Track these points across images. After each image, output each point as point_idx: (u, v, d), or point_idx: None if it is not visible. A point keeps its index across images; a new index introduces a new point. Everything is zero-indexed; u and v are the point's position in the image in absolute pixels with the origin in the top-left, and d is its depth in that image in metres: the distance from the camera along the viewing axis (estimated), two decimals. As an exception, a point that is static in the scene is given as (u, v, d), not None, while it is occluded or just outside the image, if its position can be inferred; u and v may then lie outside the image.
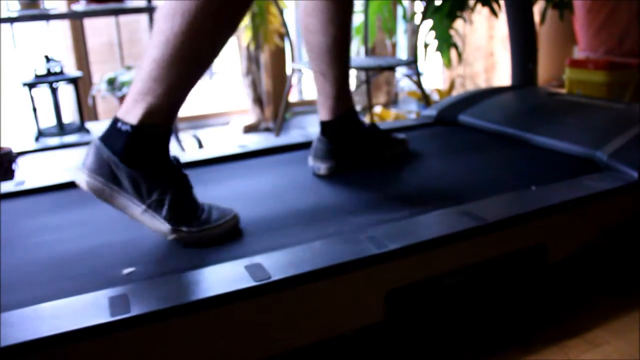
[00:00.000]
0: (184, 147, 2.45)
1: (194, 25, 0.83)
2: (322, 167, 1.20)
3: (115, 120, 0.88)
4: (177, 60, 0.85)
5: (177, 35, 0.83)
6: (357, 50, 3.08)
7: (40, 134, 2.28)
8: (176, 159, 0.93)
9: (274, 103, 3.04)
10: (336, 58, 1.20)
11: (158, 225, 0.88)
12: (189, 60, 0.86)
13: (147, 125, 0.87)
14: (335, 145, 1.21)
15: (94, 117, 2.73)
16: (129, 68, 2.57)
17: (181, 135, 2.57)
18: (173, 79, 0.86)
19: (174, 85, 0.86)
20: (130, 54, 2.79)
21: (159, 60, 0.85)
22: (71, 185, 1.22)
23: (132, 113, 0.87)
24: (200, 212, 0.92)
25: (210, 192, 1.16)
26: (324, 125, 1.23)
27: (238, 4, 0.88)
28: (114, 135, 0.88)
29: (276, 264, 0.78)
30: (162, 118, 0.88)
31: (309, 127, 2.95)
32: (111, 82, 2.48)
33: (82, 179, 0.89)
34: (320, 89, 1.23)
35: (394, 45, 3.37)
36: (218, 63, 4.43)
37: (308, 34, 1.21)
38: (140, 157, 0.88)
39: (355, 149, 1.25)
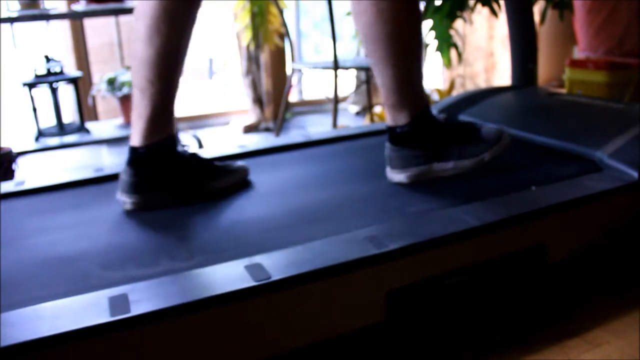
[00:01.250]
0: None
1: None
2: (128, 202, 1.06)
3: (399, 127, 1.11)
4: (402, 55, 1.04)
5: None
6: (357, 50, 3.08)
7: (40, 134, 2.28)
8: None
9: (274, 103, 3.04)
10: (162, 70, 1.05)
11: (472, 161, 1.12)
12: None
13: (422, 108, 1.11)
14: (142, 178, 1.06)
15: (94, 117, 2.73)
16: (129, 68, 2.57)
17: (181, 135, 2.57)
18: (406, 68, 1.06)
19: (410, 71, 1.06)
20: (131, 54, 2.79)
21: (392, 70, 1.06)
22: (71, 186, 1.23)
23: (407, 111, 1.10)
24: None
25: (210, 192, 1.16)
26: (131, 152, 1.08)
27: None
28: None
29: (276, 264, 0.78)
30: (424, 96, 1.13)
31: (309, 127, 2.95)
32: (111, 82, 2.48)
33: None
34: (135, 108, 1.07)
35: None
36: (217, 63, 4.43)
37: (134, 42, 1.07)
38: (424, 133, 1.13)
39: (170, 181, 1.09)
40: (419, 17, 1.11)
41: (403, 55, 1.08)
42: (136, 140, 1.07)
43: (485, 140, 1.15)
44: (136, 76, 1.05)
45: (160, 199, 1.08)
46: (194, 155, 1.16)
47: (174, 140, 1.12)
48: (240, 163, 1.22)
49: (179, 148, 1.13)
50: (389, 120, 1.14)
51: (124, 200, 1.06)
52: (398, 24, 1.05)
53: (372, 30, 1.06)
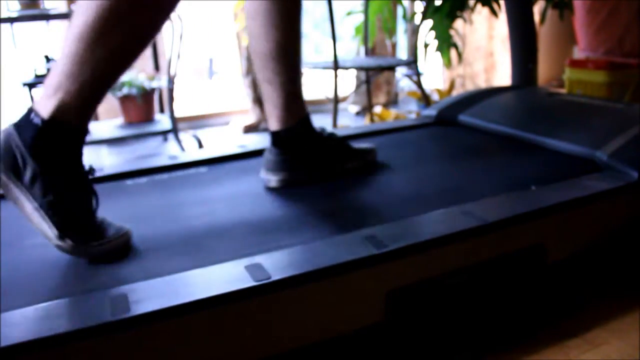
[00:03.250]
0: (183, 147, 2.45)
1: (108, 22, 0.80)
2: (273, 180, 1.15)
3: (30, 110, 0.85)
4: (90, 58, 0.81)
5: (90, 30, 0.80)
6: (357, 50, 3.08)
7: (40, 134, 2.27)
8: (91, 168, 0.90)
9: (274, 103, 3.04)
10: (282, 64, 1.12)
11: (45, 228, 0.83)
12: (102, 58, 0.81)
13: (57, 121, 0.83)
14: (287, 157, 1.15)
15: (94, 117, 2.73)
16: (129, 68, 2.57)
17: (181, 135, 2.57)
18: (85, 77, 0.82)
19: (86, 83, 0.82)
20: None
21: (72, 56, 0.81)
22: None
23: (44, 106, 0.83)
24: (94, 227, 0.87)
25: (210, 192, 1.16)
26: (273, 135, 1.17)
27: (154, 4, 0.84)
28: (26, 125, 0.84)
29: (276, 264, 0.78)
30: (73, 116, 0.84)
31: (309, 127, 2.94)
32: (111, 82, 2.48)
33: None
34: (267, 98, 1.16)
35: (394, 45, 3.37)
36: (217, 63, 4.43)
37: (250, 39, 1.14)
38: (47, 153, 0.84)
39: (310, 160, 1.18)
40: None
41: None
42: (275, 125, 1.15)
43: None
44: (262, 71, 1.13)
45: (302, 177, 1.16)
46: (331, 135, 1.22)
47: (309, 120, 1.18)
48: (368, 144, 1.29)
49: (317, 128, 1.21)
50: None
51: (269, 178, 1.15)
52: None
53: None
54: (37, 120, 0.83)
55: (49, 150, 0.84)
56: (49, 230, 0.83)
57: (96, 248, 0.85)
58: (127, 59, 0.86)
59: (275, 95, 1.13)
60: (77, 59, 0.81)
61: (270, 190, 1.15)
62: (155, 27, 0.86)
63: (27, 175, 0.83)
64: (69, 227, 0.83)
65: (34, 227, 0.85)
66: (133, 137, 2.45)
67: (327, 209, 1.03)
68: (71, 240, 0.83)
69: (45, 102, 0.83)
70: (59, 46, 0.87)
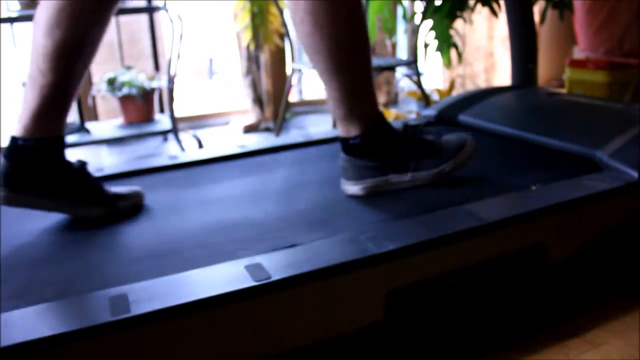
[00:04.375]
0: (183, 147, 2.45)
1: None
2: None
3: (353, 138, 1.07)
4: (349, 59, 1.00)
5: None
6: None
7: (40, 134, 2.27)
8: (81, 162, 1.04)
9: (274, 103, 3.04)
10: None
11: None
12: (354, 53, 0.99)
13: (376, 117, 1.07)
14: (16, 172, 0.98)
15: (94, 117, 2.73)
16: (129, 68, 2.57)
17: (181, 135, 2.57)
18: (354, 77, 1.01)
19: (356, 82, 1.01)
20: (130, 54, 2.79)
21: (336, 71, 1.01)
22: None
23: (360, 124, 1.06)
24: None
25: (210, 192, 1.16)
26: (10, 141, 1.00)
27: None
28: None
29: (276, 264, 0.78)
30: (376, 105, 1.07)
31: (309, 127, 2.95)
32: (111, 82, 2.48)
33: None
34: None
35: (394, 45, 3.37)
36: (217, 63, 4.43)
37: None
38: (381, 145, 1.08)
39: (47, 184, 1.00)
40: (361, 29, 1.02)
41: (346, 68, 1.01)
42: (18, 130, 0.99)
43: (445, 150, 1.11)
44: (30, 66, 0.98)
45: (30, 200, 0.99)
46: (83, 167, 1.05)
47: (60, 143, 1.02)
48: (134, 187, 1.12)
49: (69, 158, 1.04)
50: (340, 132, 1.09)
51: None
52: (338, 38, 0.98)
53: (312, 42, 0.99)
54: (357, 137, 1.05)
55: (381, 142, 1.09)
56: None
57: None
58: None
59: (30, 96, 0.99)
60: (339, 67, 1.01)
61: (270, 189, 1.15)
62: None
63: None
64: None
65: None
66: (133, 137, 2.45)
67: (327, 207, 1.03)
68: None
69: (355, 123, 1.07)
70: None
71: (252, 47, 2.92)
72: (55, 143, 1.01)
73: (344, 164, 1.10)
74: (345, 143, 1.09)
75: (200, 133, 2.85)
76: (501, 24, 3.24)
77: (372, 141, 1.07)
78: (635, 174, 1.05)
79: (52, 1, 0.95)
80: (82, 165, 1.05)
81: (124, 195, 1.08)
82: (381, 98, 3.41)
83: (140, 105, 2.51)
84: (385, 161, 1.08)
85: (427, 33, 2.36)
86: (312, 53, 1.01)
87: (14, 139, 0.99)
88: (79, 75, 1.00)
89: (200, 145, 2.52)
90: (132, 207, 1.08)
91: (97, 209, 1.04)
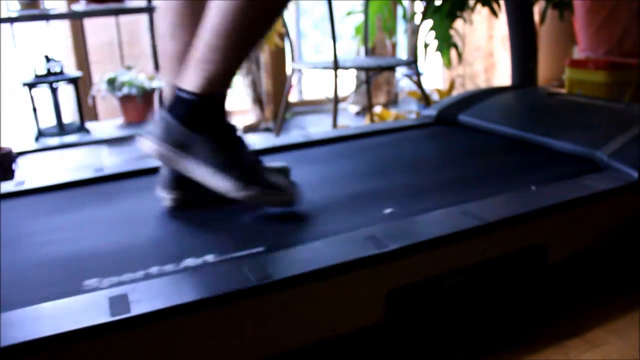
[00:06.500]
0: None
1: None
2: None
3: (179, 90, 0.93)
4: (235, 30, 0.88)
5: (235, 5, 0.87)
6: (357, 50, 3.08)
7: (40, 134, 2.28)
8: (233, 125, 0.99)
9: (274, 103, 3.04)
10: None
11: (226, 185, 0.93)
12: (245, 29, 0.89)
13: (208, 93, 0.92)
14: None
15: (94, 117, 2.73)
16: (129, 68, 2.57)
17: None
18: (231, 47, 0.90)
19: (231, 54, 0.90)
20: (130, 54, 2.79)
21: (219, 29, 0.88)
22: (71, 186, 1.22)
23: (193, 82, 0.91)
24: (265, 175, 0.97)
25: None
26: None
27: None
28: (179, 104, 0.93)
29: (276, 264, 0.78)
30: (221, 86, 0.94)
31: (309, 127, 2.95)
32: (111, 82, 2.48)
33: (151, 147, 0.95)
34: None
35: (394, 45, 3.37)
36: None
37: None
38: (206, 123, 0.94)
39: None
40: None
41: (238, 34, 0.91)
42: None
43: (263, 177, 0.98)
44: (166, 73, 1.05)
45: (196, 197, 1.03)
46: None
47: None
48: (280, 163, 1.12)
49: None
50: (179, 81, 0.96)
51: (163, 196, 1.04)
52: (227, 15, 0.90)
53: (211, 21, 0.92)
54: (190, 97, 0.92)
55: (208, 120, 0.94)
56: (231, 185, 0.93)
57: (276, 197, 0.97)
58: (265, 28, 0.95)
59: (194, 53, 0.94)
60: (223, 32, 0.88)
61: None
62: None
63: (195, 147, 0.93)
64: (249, 179, 0.94)
65: (217, 188, 0.94)
66: (133, 137, 2.45)
67: (328, 205, 1.03)
68: (257, 188, 0.94)
69: (194, 78, 0.92)
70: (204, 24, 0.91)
71: (252, 47, 2.92)
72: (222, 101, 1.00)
73: (160, 115, 0.96)
74: (178, 91, 0.95)
75: (200, 133, 2.84)
76: (501, 24, 3.24)
77: (203, 108, 0.95)
78: (635, 174, 1.05)
79: (170, 7, 1.01)
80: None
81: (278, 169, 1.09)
82: (381, 98, 3.42)
83: (140, 105, 2.51)
84: (202, 143, 0.95)
85: (427, 33, 2.37)
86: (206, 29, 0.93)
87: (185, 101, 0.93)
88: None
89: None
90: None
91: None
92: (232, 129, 0.99)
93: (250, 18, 0.89)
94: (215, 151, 0.94)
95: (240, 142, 0.98)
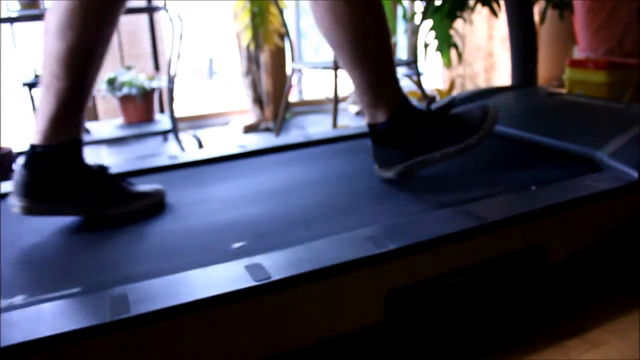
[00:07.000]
0: (184, 147, 2.45)
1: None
2: (17, 206, 0.99)
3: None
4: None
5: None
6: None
7: (40, 134, 2.27)
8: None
9: (274, 103, 3.04)
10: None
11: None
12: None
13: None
14: (37, 181, 0.99)
15: (94, 117, 2.73)
16: (128, 68, 2.57)
17: (181, 135, 2.57)
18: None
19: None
20: (130, 54, 2.79)
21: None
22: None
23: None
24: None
25: (210, 192, 1.16)
26: (29, 149, 1.00)
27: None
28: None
29: (276, 264, 0.78)
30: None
31: (309, 127, 2.95)
32: (111, 82, 2.49)
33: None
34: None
35: (394, 45, 3.37)
36: (217, 63, 4.43)
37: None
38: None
39: (68, 190, 1.00)
40: (379, 17, 1.06)
41: (367, 56, 1.06)
42: (37, 138, 0.98)
43: (470, 124, 1.12)
44: (44, 72, 0.98)
45: (52, 207, 0.99)
46: (103, 169, 1.06)
47: (79, 145, 1.02)
48: (155, 186, 1.12)
49: (88, 160, 1.04)
50: (368, 119, 1.13)
51: (14, 203, 0.98)
52: (358, 28, 1.03)
53: (333, 36, 1.05)
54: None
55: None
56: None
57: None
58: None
59: (47, 102, 0.98)
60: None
61: (270, 189, 1.15)
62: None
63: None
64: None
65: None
66: (133, 137, 2.45)
67: (331, 203, 1.03)
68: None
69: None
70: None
71: (252, 47, 2.92)
72: (75, 146, 1.01)
73: (375, 152, 1.14)
74: (373, 130, 1.13)
75: (200, 133, 2.85)
76: (501, 24, 3.24)
77: (398, 126, 1.11)
78: (635, 174, 1.05)
79: (62, 3, 0.95)
80: (101, 167, 1.06)
81: (146, 194, 1.08)
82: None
83: (140, 105, 2.52)
84: (413, 143, 1.11)
85: (427, 33, 2.37)
86: (335, 47, 1.07)
87: (32, 147, 0.99)
88: (93, 76, 1.01)
89: (201, 145, 2.52)
90: (155, 205, 1.08)
91: (117, 209, 1.04)
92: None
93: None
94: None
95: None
